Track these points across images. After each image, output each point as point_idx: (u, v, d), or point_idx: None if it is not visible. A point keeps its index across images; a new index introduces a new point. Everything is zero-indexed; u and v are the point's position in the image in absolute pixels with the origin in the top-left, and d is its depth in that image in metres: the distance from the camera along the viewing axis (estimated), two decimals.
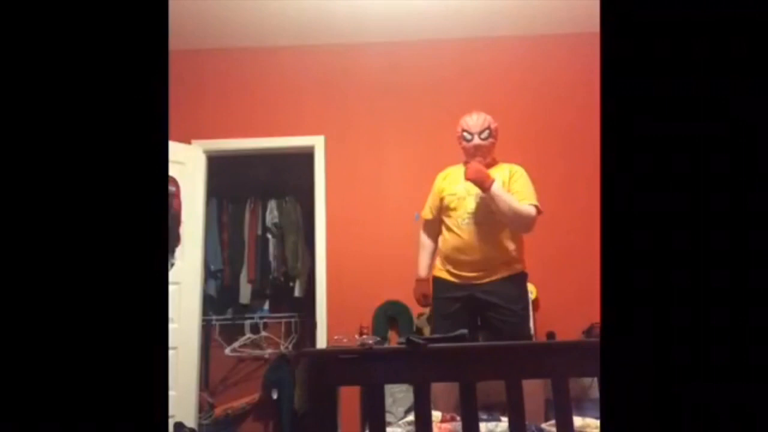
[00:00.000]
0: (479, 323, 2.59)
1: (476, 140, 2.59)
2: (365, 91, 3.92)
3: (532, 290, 3.45)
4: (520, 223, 2.53)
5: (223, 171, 4.12)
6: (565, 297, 3.47)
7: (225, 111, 3.89)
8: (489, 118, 2.62)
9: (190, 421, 3.37)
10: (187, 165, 3.68)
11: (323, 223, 3.73)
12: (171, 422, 3.21)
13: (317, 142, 3.83)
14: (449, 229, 2.61)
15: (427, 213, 2.77)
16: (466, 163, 2.65)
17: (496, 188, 2.45)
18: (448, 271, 2.61)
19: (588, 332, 3.13)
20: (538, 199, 2.55)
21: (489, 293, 2.52)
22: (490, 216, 2.51)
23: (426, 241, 2.78)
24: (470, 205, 2.56)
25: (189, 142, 3.77)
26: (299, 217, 4.41)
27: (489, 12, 3.68)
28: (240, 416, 4.20)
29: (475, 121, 2.60)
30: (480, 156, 2.60)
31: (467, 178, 2.48)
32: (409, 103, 3.87)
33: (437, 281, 2.67)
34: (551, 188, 3.72)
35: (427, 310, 3.45)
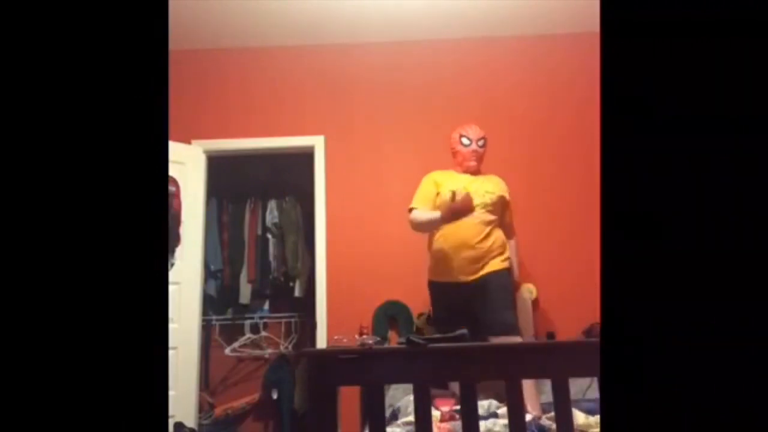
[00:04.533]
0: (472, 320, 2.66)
1: (474, 146, 2.84)
2: (365, 91, 3.92)
3: (531, 290, 3.45)
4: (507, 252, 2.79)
5: (223, 171, 4.12)
6: (565, 297, 3.47)
7: (225, 111, 3.89)
8: (482, 131, 2.91)
9: (190, 421, 3.37)
10: (187, 165, 3.67)
11: (323, 223, 3.73)
12: (171, 422, 3.21)
13: (317, 142, 3.83)
14: (446, 229, 2.71)
15: (417, 203, 2.83)
16: (456, 167, 2.89)
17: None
18: (448, 273, 2.71)
19: (588, 332, 3.13)
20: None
21: (483, 287, 2.64)
22: (485, 215, 2.70)
23: (420, 213, 2.82)
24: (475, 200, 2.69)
25: (189, 142, 3.77)
26: (299, 217, 4.41)
27: (489, 12, 3.68)
28: (240, 416, 4.20)
29: (473, 130, 2.88)
30: (475, 160, 2.85)
31: (466, 210, 2.61)
32: (409, 103, 3.87)
33: (436, 285, 2.79)
34: (551, 188, 3.74)
35: (427, 310, 3.45)
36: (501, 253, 2.71)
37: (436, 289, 2.80)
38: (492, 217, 2.73)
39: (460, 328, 1.78)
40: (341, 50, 3.96)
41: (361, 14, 3.64)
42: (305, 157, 3.88)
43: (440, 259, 2.73)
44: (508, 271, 2.72)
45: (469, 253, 2.65)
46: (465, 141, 2.84)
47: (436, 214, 2.70)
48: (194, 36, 3.81)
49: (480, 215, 2.68)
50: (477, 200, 2.67)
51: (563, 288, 3.51)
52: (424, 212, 2.77)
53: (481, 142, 2.85)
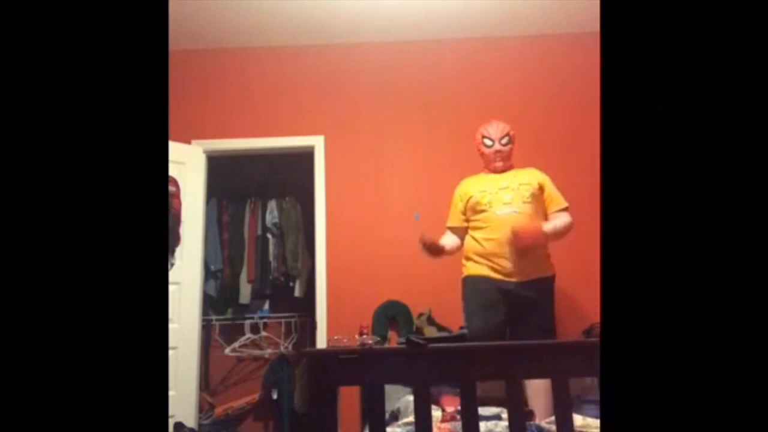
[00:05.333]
0: (510, 318, 2.59)
1: (497, 146, 2.73)
2: (365, 91, 3.92)
3: None
4: (566, 233, 2.68)
5: (223, 171, 4.12)
6: (565, 297, 3.46)
7: (225, 111, 3.89)
8: (507, 125, 2.79)
9: (190, 421, 3.37)
10: (187, 165, 3.67)
11: (323, 223, 3.73)
12: (171, 422, 3.21)
13: (317, 142, 3.83)
14: (483, 228, 2.62)
15: (453, 221, 2.78)
16: (485, 169, 2.80)
17: (547, 231, 2.58)
18: (489, 267, 2.59)
19: (588, 332, 3.13)
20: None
21: (523, 291, 2.55)
22: (525, 207, 2.59)
23: (451, 236, 2.77)
24: (505, 197, 2.62)
25: (189, 142, 3.77)
26: (299, 217, 4.41)
27: (489, 12, 3.68)
28: (240, 416, 4.20)
29: (495, 128, 2.77)
30: (500, 160, 2.74)
31: (522, 246, 2.51)
32: (409, 103, 3.87)
33: (474, 279, 2.64)
34: None
35: (427, 310, 3.45)
36: (548, 255, 2.64)
37: (471, 284, 2.64)
38: (532, 210, 2.61)
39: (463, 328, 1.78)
40: (341, 50, 3.96)
41: (361, 14, 3.64)
42: (305, 157, 3.88)
43: (482, 258, 2.60)
44: (553, 277, 2.65)
45: (515, 249, 2.52)
46: (487, 142, 2.75)
47: (456, 243, 2.71)
48: (194, 36, 3.81)
49: (521, 208, 2.57)
50: (512, 195, 2.59)
51: (563, 288, 3.50)
52: (448, 239, 2.74)
53: (505, 140, 2.75)
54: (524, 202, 2.60)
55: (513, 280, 2.56)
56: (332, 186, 3.78)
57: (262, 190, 4.48)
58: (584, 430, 1.99)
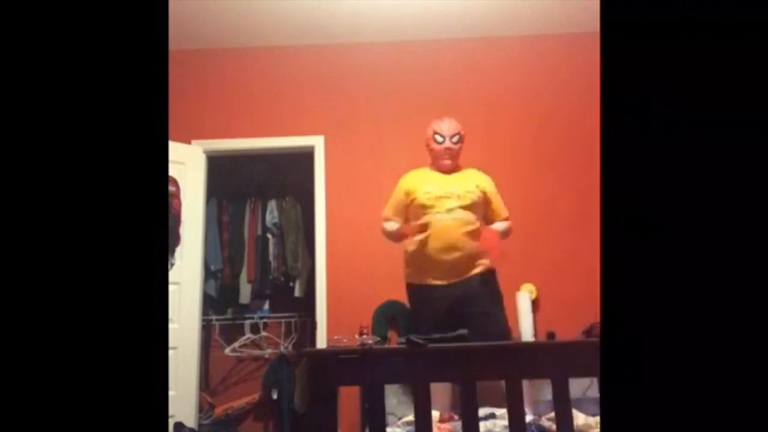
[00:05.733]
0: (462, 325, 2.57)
1: (447, 143, 2.68)
2: (365, 91, 3.92)
3: (532, 290, 3.45)
4: (507, 237, 2.75)
5: (223, 171, 4.12)
6: (565, 297, 3.46)
7: (225, 111, 3.89)
8: (459, 124, 2.75)
9: (190, 421, 3.37)
10: (187, 165, 3.68)
11: (323, 223, 3.73)
12: (171, 422, 3.21)
13: (317, 142, 3.83)
14: (424, 233, 2.58)
15: (390, 212, 2.78)
16: (431, 165, 2.77)
17: (501, 231, 2.66)
18: (432, 276, 2.59)
19: (588, 332, 3.13)
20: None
21: (471, 290, 2.56)
22: (466, 215, 2.59)
23: (392, 225, 2.76)
24: (449, 203, 2.59)
25: (189, 142, 3.77)
26: (299, 217, 4.41)
27: (489, 12, 3.68)
28: (240, 416, 4.20)
29: (447, 125, 2.71)
30: (449, 158, 2.71)
31: (494, 256, 2.57)
32: (409, 103, 3.87)
33: (418, 289, 2.65)
34: (551, 188, 3.74)
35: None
36: (483, 254, 2.62)
37: (417, 293, 2.66)
38: (473, 217, 2.60)
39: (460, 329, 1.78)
40: (341, 50, 3.96)
41: (361, 14, 3.64)
42: (305, 157, 3.88)
43: (422, 261, 2.60)
44: (494, 272, 2.65)
45: (454, 255, 2.53)
46: (438, 138, 2.69)
47: (395, 227, 2.69)
48: (194, 36, 3.81)
49: (461, 215, 2.56)
50: (456, 203, 2.57)
51: (563, 288, 3.51)
52: (390, 224, 2.73)
53: (455, 138, 2.69)
54: (465, 209, 2.59)
55: (454, 281, 2.56)
56: (332, 186, 3.78)
57: (262, 190, 4.48)
58: (584, 430, 1.99)
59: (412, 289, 2.69)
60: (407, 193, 2.70)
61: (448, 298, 2.56)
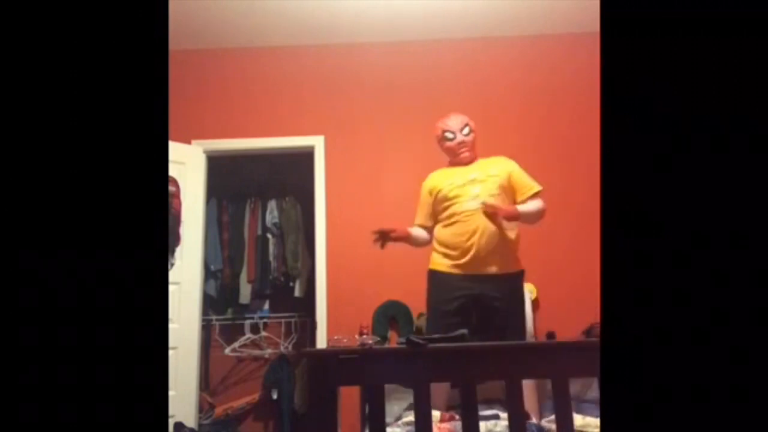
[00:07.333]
0: (477, 322, 2.52)
1: (459, 137, 2.67)
2: (365, 91, 3.92)
3: (532, 290, 3.45)
4: (538, 218, 2.63)
5: (223, 171, 4.12)
6: (565, 297, 3.47)
7: (225, 111, 3.89)
8: (465, 116, 2.73)
9: (190, 421, 3.37)
10: (187, 165, 3.68)
11: (323, 223, 3.73)
12: (171, 422, 3.21)
13: (317, 142, 3.83)
14: (451, 219, 2.56)
15: (420, 219, 2.74)
16: (450, 164, 2.74)
17: (523, 210, 2.56)
18: (452, 264, 2.53)
19: (588, 332, 3.13)
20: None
21: (491, 290, 2.48)
22: (494, 200, 2.52)
23: (420, 230, 2.74)
24: (473, 190, 2.56)
25: (189, 142, 3.77)
26: (299, 217, 4.41)
27: (489, 12, 3.68)
28: (240, 416, 4.20)
29: (454, 121, 2.70)
30: (466, 151, 2.68)
31: (506, 217, 2.50)
32: (409, 103, 3.87)
33: (438, 275, 2.58)
34: (551, 187, 3.71)
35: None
36: (515, 251, 2.57)
37: (438, 279, 2.58)
38: (501, 201, 2.54)
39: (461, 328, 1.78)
40: (341, 50, 3.96)
41: (361, 14, 3.64)
42: (305, 157, 3.88)
43: (451, 248, 2.55)
44: (521, 273, 2.59)
45: (482, 241, 2.47)
46: (449, 135, 2.67)
47: (424, 235, 2.68)
48: (195, 36, 3.82)
49: (488, 200, 2.51)
50: (480, 188, 2.54)
51: (563, 288, 3.51)
52: (415, 230, 2.72)
53: (466, 130, 2.67)
54: (492, 195, 2.53)
55: (479, 272, 2.49)
56: (332, 186, 3.78)
57: (262, 190, 4.48)
58: (584, 429, 1.99)
59: (433, 274, 2.61)
60: (431, 192, 2.68)
61: (469, 289, 2.49)
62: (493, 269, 2.50)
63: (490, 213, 2.47)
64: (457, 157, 2.69)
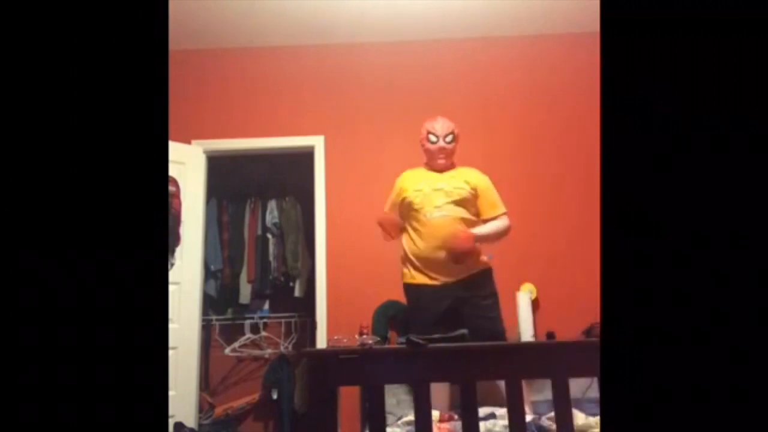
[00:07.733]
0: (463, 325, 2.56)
1: (441, 143, 2.69)
2: (365, 91, 3.92)
3: (532, 290, 3.45)
4: (499, 238, 2.68)
5: (223, 171, 4.12)
6: (565, 297, 3.47)
7: (225, 111, 3.89)
8: (452, 123, 2.75)
9: (190, 421, 3.37)
10: (187, 165, 3.67)
11: (323, 223, 3.73)
12: (171, 422, 3.21)
13: (317, 142, 3.83)
14: (417, 230, 2.61)
15: (386, 207, 2.81)
16: (426, 164, 2.78)
17: (479, 236, 2.56)
18: (427, 276, 2.58)
19: (588, 332, 3.13)
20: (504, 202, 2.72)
21: (467, 290, 2.55)
22: (457, 210, 2.58)
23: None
24: (438, 199, 2.59)
25: (189, 142, 3.77)
26: (299, 217, 4.41)
27: (489, 12, 3.68)
28: (240, 416, 4.20)
29: (440, 125, 2.72)
30: (443, 158, 2.71)
31: (457, 255, 2.50)
32: (409, 103, 3.87)
33: (415, 289, 2.63)
34: (550, 188, 3.74)
35: None
36: (479, 252, 2.61)
37: (414, 293, 2.65)
38: (464, 213, 2.58)
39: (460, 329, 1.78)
40: (341, 50, 3.96)
41: (361, 14, 3.64)
42: (305, 157, 3.88)
43: (416, 260, 2.60)
44: (490, 270, 2.63)
45: (444, 254, 2.51)
46: (432, 138, 2.70)
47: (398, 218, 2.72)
48: (195, 36, 3.82)
49: (451, 212, 2.55)
50: (444, 199, 2.57)
51: (563, 288, 3.51)
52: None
53: (449, 138, 2.70)
54: (455, 205, 2.58)
55: (450, 280, 2.55)
56: (332, 186, 3.78)
57: (262, 190, 4.48)
58: (584, 430, 1.99)
59: (409, 288, 2.68)
60: (399, 193, 2.73)
61: (443, 299, 2.54)
62: (461, 273, 2.56)
63: (449, 246, 2.49)
64: (433, 161, 2.73)
